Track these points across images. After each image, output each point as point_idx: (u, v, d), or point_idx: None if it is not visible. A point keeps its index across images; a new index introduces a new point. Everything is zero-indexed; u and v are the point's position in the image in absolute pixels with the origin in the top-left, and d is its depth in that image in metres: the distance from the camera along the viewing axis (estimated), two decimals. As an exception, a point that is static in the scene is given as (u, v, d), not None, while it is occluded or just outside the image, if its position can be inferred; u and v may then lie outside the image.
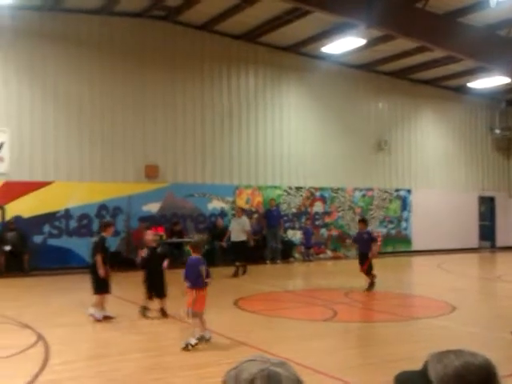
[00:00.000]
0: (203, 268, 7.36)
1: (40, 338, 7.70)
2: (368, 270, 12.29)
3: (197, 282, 7.34)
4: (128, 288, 12.16)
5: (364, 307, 10.74)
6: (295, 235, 19.98)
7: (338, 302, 10.89)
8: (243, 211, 16.36)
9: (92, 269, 9.23)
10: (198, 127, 18.22)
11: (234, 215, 16.21)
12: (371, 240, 12.57)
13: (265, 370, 1.34)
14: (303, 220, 20.16)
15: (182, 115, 17.93)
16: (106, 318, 8.94)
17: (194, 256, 7.57)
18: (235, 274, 14.72)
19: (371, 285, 12.23)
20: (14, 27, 15.35)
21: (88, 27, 16.50)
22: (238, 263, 14.79)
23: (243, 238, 14.91)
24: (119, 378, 6.00)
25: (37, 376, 5.98)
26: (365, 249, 12.49)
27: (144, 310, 9.03)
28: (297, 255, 19.79)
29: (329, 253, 20.61)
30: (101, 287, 9.04)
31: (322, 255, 20.30)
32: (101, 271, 8.96)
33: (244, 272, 14.87)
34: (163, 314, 9.12)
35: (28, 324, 8.58)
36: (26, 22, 15.60)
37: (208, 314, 9.52)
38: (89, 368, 6.41)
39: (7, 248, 14.68)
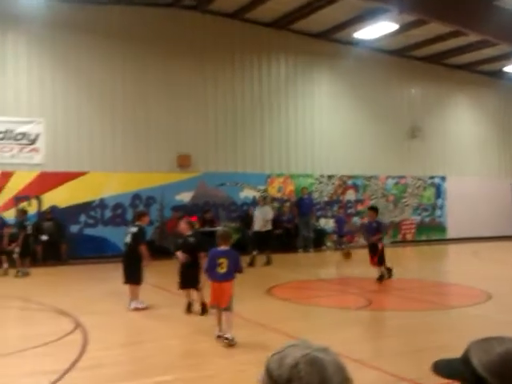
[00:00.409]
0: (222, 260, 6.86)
1: (78, 325, 7.87)
2: (379, 261, 11.79)
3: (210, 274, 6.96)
4: (161, 276, 12.32)
5: (399, 295, 10.65)
6: (327, 224, 19.91)
7: (371, 291, 10.83)
8: (265, 199, 16.13)
9: (127, 258, 9.30)
10: (229, 116, 18.25)
11: (257, 204, 16.02)
12: (379, 230, 12.07)
13: (308, 355, 1.36)
14: (335, 208, 20.08)
15: (213, 104, 17.97)
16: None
17: (222, 248, 7.02)
18: (268, 263, 14.61)
19: (389, 273, 11.86)
20: (47, 19, 15.58)
21: (119, 18, 16.63)
22: (254, 252, 14.49)
23: (266, 227, 14.69)
24: (155, 363, 6.10)
25: (76, 362, 6.13)
26: (376, 239, 11.94)
27: (189, 308, 8.60)
28: (329, 244, 19.73)
29: (361, 241, 20.45)
30: (139, 277, 9.09)
31: (354, 243, 20.18)
32: (145, 261, 9.07)
33: (268, 262, 14.53)
34: (203, 309, 8.47)
35: (66, 311, 8.78)
36: (60, 13, 15.79)
37: (241, 302, 9.58)
38: (125, 354, 6.53)
39: (44, 237, 15.00)
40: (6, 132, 15.11)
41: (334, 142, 20.00)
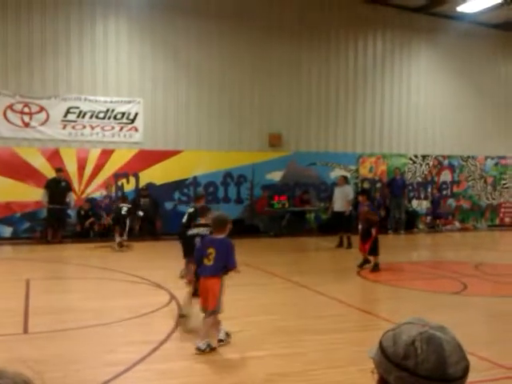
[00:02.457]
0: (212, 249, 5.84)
1: (172, 297, 8.17)
2: (372, 250, 10.81)
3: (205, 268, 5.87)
4: (251, 254, 12.51)
5: (496, 281, 10.20)
6: (420, 205, 19.37)
7: (467, 275, 10.45)
8: (345, 179, 15.54)
9: (184, 237, 9.73)
10: (322, 95, 18.05)
11: (336, 184, 15.48)
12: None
13: (425, 333, 1.35)
14: (429, 189, 19.51)
15: (306, 83, 17.83)
16: None
17: (215, 236, 6.01)
18: (340, 245, 14.32)
19: (375, 266, 10.78)
20: (149, 1, 16.02)
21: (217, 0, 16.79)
22: (341, 234, 14.25)
23: (346, 208, 14.19)
24: (246, 339, 6.24)
25: (171, 334, 6.39)
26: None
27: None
28: (421, 226, 19.20)
29: (457, 224, 19.75)
30: None
31: (449, 226, 19.52)
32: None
33: (349, 245, 13.95)
34: None
35: (160, 284, 9.15)
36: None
37: (332, 284, 9.61)
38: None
39: (140, 213, 15.56)
40: (107, 111, 15.80)
41: (430, 121, 19.32)
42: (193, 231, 7.10)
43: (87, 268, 11.22)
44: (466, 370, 1.36)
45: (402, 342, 1.35)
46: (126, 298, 8.40)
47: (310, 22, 17.69)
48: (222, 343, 5.91)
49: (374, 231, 10.77)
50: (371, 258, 10.93)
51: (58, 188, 14.66)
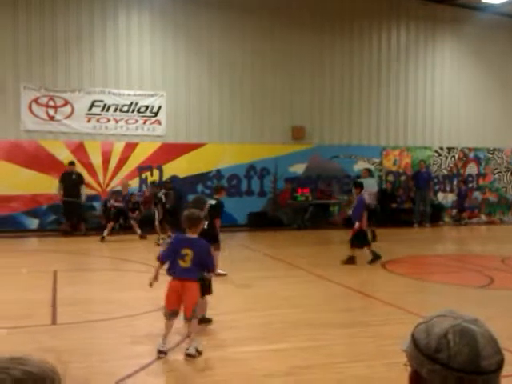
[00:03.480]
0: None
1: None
2: (355, 242, 10.50)
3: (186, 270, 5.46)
4: (274, 246, 12.49)
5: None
6: (446, 198, 19.14)
7: (494, 269, 10.30)
8: (370, 172, 15.32)
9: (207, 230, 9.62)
10: (345, 87, 17.90)
11: (359, 176, 15.40)
12: (361, 208, 10.71)
13: (458, 325, 1.32)
14: (455, 182, 19.27)
15: (329, 76, 17.71)
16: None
17: (189, 235, 5.54)
18: (373, 238, 14.08)
19: (350, 259, 10.49)
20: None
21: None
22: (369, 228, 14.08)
23: (370, 200, 13.67)
24: (270, 331, 6.24)
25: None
26: (354, 216, 10.73)
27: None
28: (447, 219, 18.97)
29: (483, 217, 19.48)
30: (218, 244, 9.28)
31: (475, 220, 19.26)
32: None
33: (374, 238, 13.39)
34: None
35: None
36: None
37: (357, 276, 9.56)
38: (242, 320, 6.71)
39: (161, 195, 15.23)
40: (131, 105, 15.89)
41: (455, 113, 19.05)
42: None
43: (112, 260, 11.33)
44: (500, 364, 1.33)
45: (435, 334, 1.33)
46: (149, 290, 8.37)
47: (333, 14, 17.54)
48: (189, 358, 5.34)
49: (356, 224, 10.47)
50: (351, 250, 10.59)
51: (70, 181, 14.82)
